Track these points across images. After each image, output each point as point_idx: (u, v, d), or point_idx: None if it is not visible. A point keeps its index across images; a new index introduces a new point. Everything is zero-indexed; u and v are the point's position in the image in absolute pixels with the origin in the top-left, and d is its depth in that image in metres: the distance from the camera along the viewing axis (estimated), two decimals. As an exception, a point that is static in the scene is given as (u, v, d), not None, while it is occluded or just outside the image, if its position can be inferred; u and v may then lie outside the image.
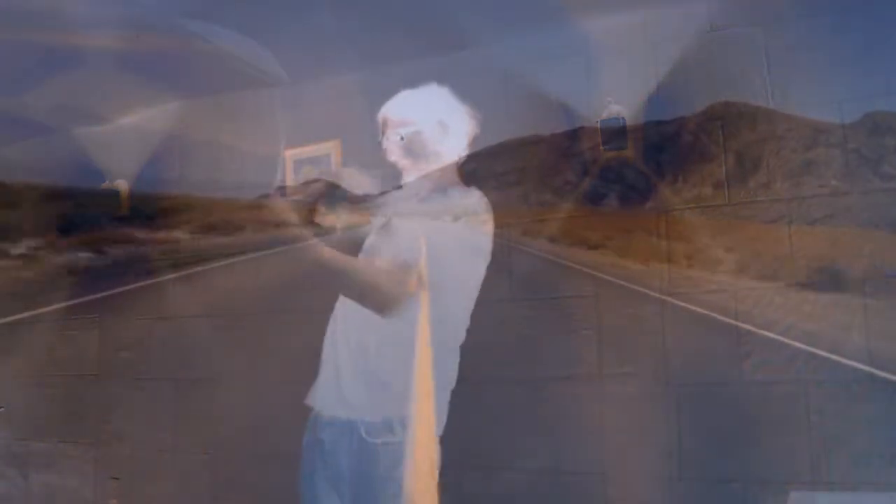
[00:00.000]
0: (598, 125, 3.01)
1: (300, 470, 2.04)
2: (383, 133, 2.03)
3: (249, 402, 3.34)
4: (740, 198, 2.74)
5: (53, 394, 3.94)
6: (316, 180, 1.96)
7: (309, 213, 1.85)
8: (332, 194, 1.90)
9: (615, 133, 2.99)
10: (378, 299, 1.79)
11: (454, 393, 2.00)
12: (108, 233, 4.02)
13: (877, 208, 2.52)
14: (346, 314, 1.95)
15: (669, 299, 2.81)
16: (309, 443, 2.02)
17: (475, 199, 2.03)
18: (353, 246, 1.95)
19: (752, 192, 2.72)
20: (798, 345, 2.58)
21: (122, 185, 3.98)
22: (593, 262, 2.99)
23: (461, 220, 1.96)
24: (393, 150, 2.00)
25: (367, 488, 1.85)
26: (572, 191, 3.09)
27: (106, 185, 3.99)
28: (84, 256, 4.05)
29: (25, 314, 4.01)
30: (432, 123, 2.01)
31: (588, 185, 3.07)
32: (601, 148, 3.02)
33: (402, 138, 1.98)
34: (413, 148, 1.98)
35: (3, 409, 3.91)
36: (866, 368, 2.46)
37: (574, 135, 3.11)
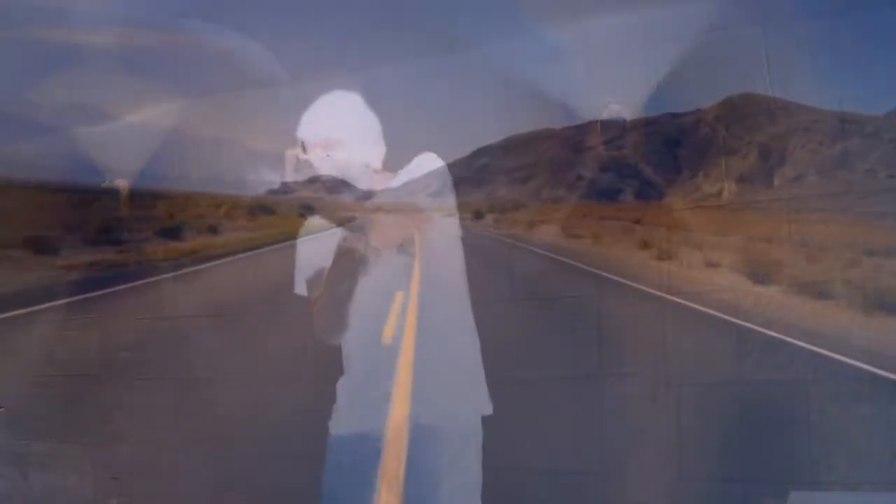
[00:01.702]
0: (599, 125, 3.00)
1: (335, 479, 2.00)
2: (305, 151, 2.02)
3: (249, 401, 3.34)
4: (756, 194, 2.70)
5: (53, 394, 3.94)
6: (321, 176, 1.96)
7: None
8: (338, 189, 1.91)
9: (615, 132, 2.98)
10: None
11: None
12: (107, 231, 4.03)
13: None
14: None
15: (670, 298, 2.81)
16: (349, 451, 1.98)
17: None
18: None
19: (778, 187, 2.68)
20: (799, 343, 2.58)
21: (122, 184, 3.98)
22: (594, 260, 2.98)
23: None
24: (322, 167, 2.00)
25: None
26: (586, 186, 3.08)
27: (106, 184, 4.00)
28: (84, 254, 4.05)
29: (25, 310, 4.02)
30: (357, 139, 2.02)
31: (601, 181, 3.05)
32: (600, 148, 3.01)
33: (328, 156, 2.00)
34: (343, 164, 1.99)
35: (2, 410, 3.91)
36: (867, 368, 2.46)
37: (584, 130, 3.10)
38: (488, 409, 2.02)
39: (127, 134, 4.01)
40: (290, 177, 2.03)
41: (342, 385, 2.00)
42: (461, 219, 2.03)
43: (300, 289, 1.98)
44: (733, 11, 2.65)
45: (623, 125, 2.76)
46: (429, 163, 2.04)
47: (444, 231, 2.00)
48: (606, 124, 2.79)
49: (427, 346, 1.93)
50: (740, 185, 2.59)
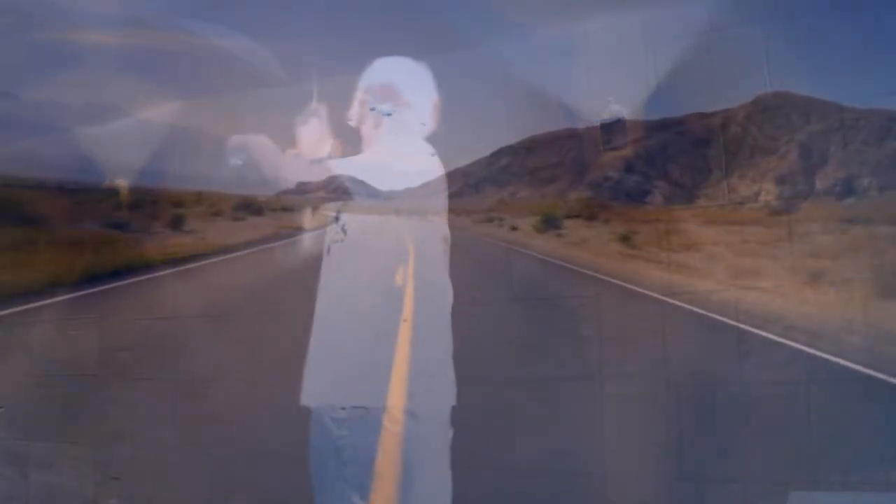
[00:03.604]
0: (598, 125, 2.99)
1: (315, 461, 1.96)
2: (371, 101, 1.85)
3: (248, 401, 3.34)
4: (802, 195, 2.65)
5: (53, 394, 3.93)
6: (338, 176, 1.90)
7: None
8: (356, 190, 1.85)
9: (615, 133, 2.97)
10: None
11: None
12: (107, 230, 4.03)
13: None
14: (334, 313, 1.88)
15: (669, 300, 2.80)
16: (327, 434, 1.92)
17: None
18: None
19: (825, 190, 2.63)
20: (797, 346, 2.58)
21: (122, 183, 3.99)
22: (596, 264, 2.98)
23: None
24: (378, 123, 1.85)
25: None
26: (613, 187, 3.05)
27: (107, 183, 4.00)
28: (84, 253, 4.05)
29: (25, 307, 4.01)
30: (426, 106, 1.89)
31: (628, 182, 3.02)
32: (625, 148, 2.98)
33: (390, 114, 1.86)
34: (401, 127, 1.87)
35: (2, 410, 3.91)
36: (866, 370, 2.46)
37: (608, 130, 3.05)
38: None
39: (126, 133, 4.01)
40: (306, 176, 1.94)
41: None
42: (511, 230, 1.95)
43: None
44: (762, 6, 2.60)
45: (623, 126, 2.74)
46: (449, 163, 1.94)
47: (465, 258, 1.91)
48: (606, 125, 2.77)
49: None
50: (779, 186, 2.55)
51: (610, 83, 2.92)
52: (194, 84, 3.68)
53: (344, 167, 1.91)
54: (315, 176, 1.92)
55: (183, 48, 3.47)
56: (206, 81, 3.65)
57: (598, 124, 2.91)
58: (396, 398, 1.85)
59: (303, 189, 1.92)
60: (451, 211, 1.88)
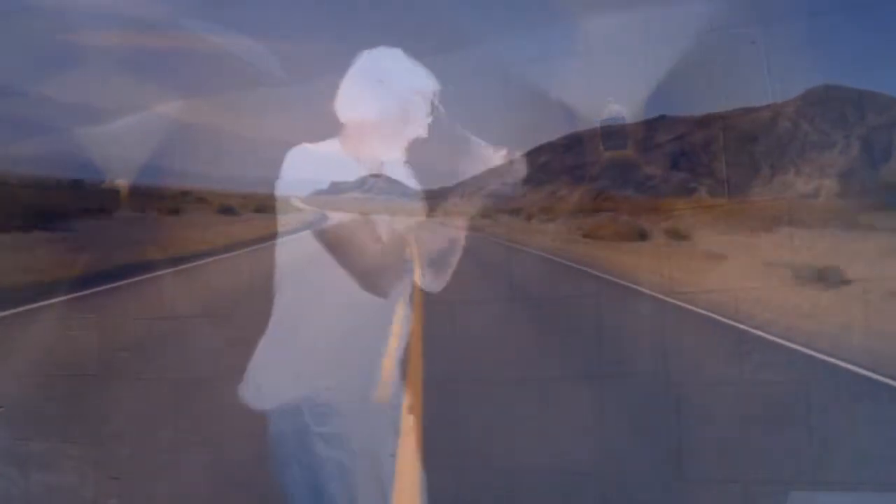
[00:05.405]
0: (598, 125, 2.99)
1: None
2: (420, 102, 1.73)
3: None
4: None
5: (53, 394, 3.93)
6: (375, 175, 1.86)
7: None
8: (390, 189, 1.82)
9: (615, 133, 2.98)
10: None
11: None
12: (108, 230, 4.04)
13: None
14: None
15: (669, 300, 2.81)
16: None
17: None
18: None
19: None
20: (796, 346, 2.58)
21: (122, 183, 4.00)
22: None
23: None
24: (425, 124, 1.73)
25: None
26: (657, 185, 3.04)
27: (107, 182, 4.01)
28: (85, 252, 4.06)
29: (26, 307, 4.02)
30: (467, 106, 1.82)
31: (673, 179, 3.02)
32: (667, 145, 2.98)
33: (440, 115, 1.79)
34: (447, 127, 1.82)
35: (2, 409, 3.91)
36: (865, 372, 2.46)
37: (649, 127, 3.04)
38: None
39: (128, 133, 4.02)
40: (341, 175, 1.88)
41: None
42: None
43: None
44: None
45: (623, 126, 2.74)
46: (487, 160, 1.85)
47: None
48: (605, 125, 2.77)
49: None
50: (841, 182, 2.52)
51: (650, 79, 2.91)
52: (195, 83, 3.69)
53: (378, 166, 1.85)
54: (349, 175, 1.86)
55: (181, 48, 3.48)
56: (207, 81, 3.65)
57: (599, 124, 2.91)
58: (414, 398, 1.84)
59: (337, 189, 1.87)
60: (511, 212, 1.83)
